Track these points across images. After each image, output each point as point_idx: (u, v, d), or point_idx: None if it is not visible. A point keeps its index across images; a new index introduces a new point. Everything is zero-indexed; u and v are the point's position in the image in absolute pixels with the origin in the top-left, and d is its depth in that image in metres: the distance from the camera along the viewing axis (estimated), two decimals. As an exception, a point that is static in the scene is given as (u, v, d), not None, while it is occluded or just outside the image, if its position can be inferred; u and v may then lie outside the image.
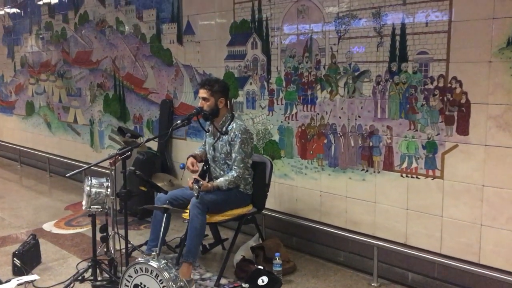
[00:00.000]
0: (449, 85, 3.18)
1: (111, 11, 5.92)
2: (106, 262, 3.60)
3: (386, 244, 3.60)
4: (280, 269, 3.61)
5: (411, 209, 3.48)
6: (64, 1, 6.73)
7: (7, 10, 8.14)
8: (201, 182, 3.39)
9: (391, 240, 3.60)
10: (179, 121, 3.51)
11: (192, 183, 3.39)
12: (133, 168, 3.31)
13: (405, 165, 3.48)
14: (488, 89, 3.01)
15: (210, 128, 3.79)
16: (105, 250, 3.66)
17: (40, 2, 7.23)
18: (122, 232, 3.49)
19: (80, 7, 6.44)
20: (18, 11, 7.87)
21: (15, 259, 3.78)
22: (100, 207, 3.41)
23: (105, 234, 3.48)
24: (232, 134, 3.61)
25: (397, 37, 3.40)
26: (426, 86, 3.30)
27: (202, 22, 4.85)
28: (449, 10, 3.13)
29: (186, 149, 5.14)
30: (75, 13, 6.54)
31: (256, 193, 3.81)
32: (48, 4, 7.07)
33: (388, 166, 3.57)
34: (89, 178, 3.42)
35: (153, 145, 5.35)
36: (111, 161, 3.47)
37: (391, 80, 3.48)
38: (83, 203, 3.44)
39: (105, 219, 3.54)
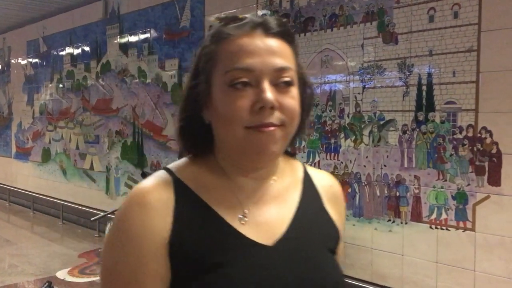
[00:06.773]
0: (478, 135, 3.15)
1: (134, 61, 6.06)
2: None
3: (416, 299, 3.45)
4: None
5: (441, 263, 3.35)
6: (87, 51, 6.93)
7: (30, 59, 8.38)
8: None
9: (420, 295, 3.46)
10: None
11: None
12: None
13: (434, 216, 3.39)
14: (520, 139, 2.98)
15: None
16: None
17: (63, 52, 7.45)
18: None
19: (103, 57, 6.61)
20: (40, 60, 8.09)
21: (29, 308, 3.65)
22: (121, 254, 3.31)
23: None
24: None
25: (424, 87, 3.41)
26: (454, 136, 3.27)
27: (224, 71, 4.92)
28: (477, 61, 3.15)
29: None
30: (97, 62, 6.70)
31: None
32: (71, 54, 7.27)
33: (416, 217, 3.48)
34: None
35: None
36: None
37: (418, 129, 3.45)
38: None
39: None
